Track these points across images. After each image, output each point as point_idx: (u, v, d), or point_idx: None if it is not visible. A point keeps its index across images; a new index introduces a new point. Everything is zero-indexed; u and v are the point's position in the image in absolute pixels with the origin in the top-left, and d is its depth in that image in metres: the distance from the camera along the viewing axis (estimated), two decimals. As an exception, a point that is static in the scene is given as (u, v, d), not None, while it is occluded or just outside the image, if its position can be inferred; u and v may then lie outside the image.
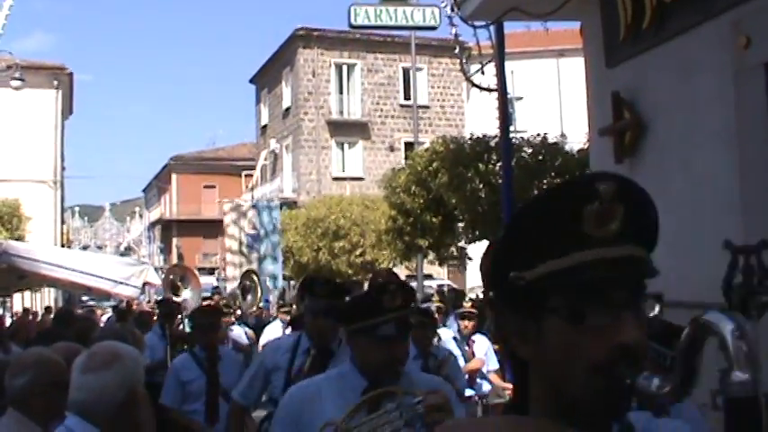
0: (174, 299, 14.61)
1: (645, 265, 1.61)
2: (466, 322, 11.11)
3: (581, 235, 1.51)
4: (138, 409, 3.39)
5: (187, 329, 12.53)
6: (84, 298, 30.94)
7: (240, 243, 30.38)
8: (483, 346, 10.90)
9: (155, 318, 15.08)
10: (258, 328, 17.56)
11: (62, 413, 3.51)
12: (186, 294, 14.88)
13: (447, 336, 10.68)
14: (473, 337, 11.00)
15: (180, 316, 13.43)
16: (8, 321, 19.95)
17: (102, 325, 15.69)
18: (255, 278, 18.84)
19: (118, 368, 3.31)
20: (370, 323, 3.65)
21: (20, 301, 25.73)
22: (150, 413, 3.57)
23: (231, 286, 27.54)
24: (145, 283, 15.96)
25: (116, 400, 3.26)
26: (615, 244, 1.53)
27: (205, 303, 14.66)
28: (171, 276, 16.03)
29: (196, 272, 17.19)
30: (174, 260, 64.97)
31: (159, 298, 13.99)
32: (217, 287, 33.06)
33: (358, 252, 33.97)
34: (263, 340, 15.31)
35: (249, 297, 18.42)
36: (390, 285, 3.88)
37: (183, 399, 7.64)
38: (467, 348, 10.76)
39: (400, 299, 3.72)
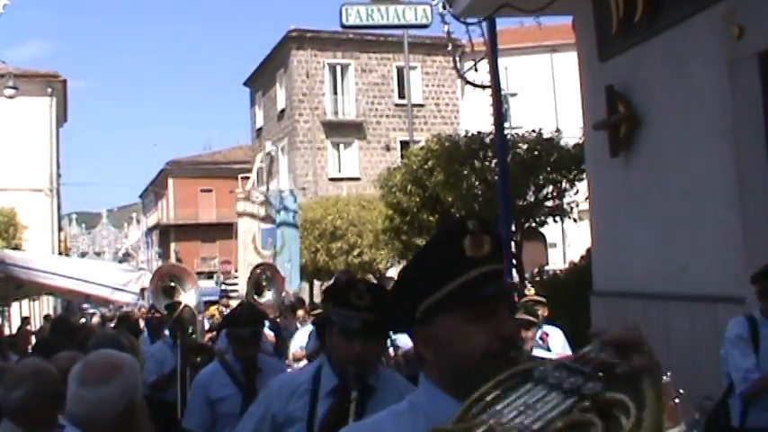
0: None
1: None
2: (541, 309, 9.24)
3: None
4: (138, 420, 3.35)
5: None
6: (85, 306, 30.84)
7: (254, 239, 27.37)
8: (559, 340, 9.10)
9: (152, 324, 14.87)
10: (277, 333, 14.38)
11: (57, 424, 3.47)
12: (188, 298, 13.05)
13: None
14: (546, 329, 9.14)
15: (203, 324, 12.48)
16: (6, 330, 19.89)
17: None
18: (270, 273, 15.43)
19: (118, 380, 3.26)
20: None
21: (18, 310, 25.67)
22: (149, 423, 3.54)
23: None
24: (143, 289, 15.93)
25: (116, 411, 3.21)
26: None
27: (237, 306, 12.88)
28: (258, 271, 14.61)
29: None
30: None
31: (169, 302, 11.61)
32: (225, 290, 32.66)
33: (356, 252, 33.87)
34: (294, 348, 13.28)
35: (270, 293, 14.85)
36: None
37: (212, 421, 6.29)
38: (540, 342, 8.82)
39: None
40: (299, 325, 15.58)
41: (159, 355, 9.50)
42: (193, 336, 10.31)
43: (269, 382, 4.71)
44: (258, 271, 14.64)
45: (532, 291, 6.34)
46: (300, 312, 16.78)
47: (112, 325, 20.25)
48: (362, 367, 3.76)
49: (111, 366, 3.32)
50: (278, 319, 15.64)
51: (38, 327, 23.36)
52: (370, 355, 3.82)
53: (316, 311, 13.96)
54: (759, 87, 7.32)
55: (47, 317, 26.04)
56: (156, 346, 9.83)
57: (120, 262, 73.14)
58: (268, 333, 12.71)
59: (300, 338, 13.25)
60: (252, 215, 28.10)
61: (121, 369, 3.32)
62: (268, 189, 38.52)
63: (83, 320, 23.90)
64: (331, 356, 3.94)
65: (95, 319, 28.91)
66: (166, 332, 10.57)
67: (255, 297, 13.79)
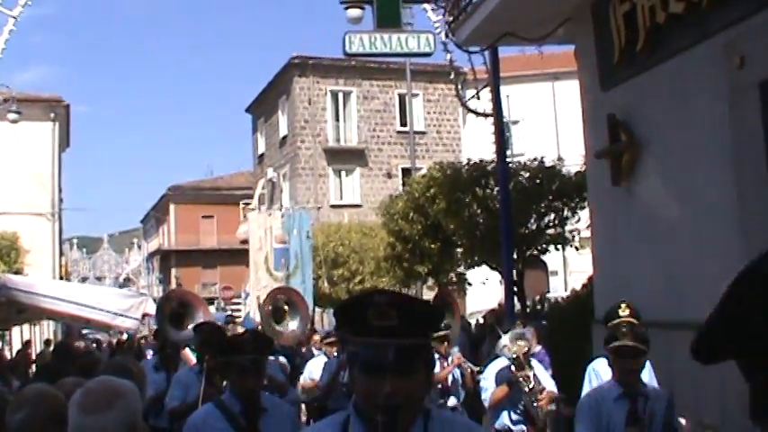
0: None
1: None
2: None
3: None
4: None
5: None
6: (85, 331, 30.71)
7: (266, 259, 25.18)
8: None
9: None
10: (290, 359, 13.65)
11: None
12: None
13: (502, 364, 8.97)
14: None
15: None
16: (7, 354, 19.86)
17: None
18: (293, 298, 13.94)
19: (119, 407, 3.25)
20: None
21: (18, 335, 25.63)
22: None
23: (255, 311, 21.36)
24: (144, 315, 15.92)
25: None
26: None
27: (239, 331, 12.49)
28: (278, 297, 13.80)
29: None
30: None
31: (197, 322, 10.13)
32: (231, 315, 31.71)
33: (357, 279, 33.82)
34: (304, 379, 13.24)
35: (294, 324, 13.25)
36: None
37: None
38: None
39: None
40: (315, 351, 14.92)
41: (185, 379, 8.46)
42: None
43: None
44: (278, 296, 14.01)
45: (627, 311, 5.90)
46: (316, 337, 15.81)
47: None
48: (394, 413, 2.64)
49: (112, 393, 3.31)
50: (303, 349, 15.24)
51: (38, 351, 23.33)
52: (402, 396, 2.65)
53: (329, 339, 13.22)
54: (760, 118, 7.35)
55: (47, 342, 26.01)
56: (183, 371, 9.00)
57: (121, 287, 73.07)
58: (281, 361, 11.93)
59: (313, 368, 13.12)
60: (264, 234, 25.91)
61: (122, 396, 3.31)
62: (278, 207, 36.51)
63: (82, 345, 23.74)
64: (356, 401, 2.84)
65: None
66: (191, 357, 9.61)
67: (275, 325, 13.03)
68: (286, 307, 13.48)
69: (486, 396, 8.77)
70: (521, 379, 8.46)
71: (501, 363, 8.73)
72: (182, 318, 11.33)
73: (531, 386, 8.50)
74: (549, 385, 8.92)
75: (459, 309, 12.75)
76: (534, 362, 9.12)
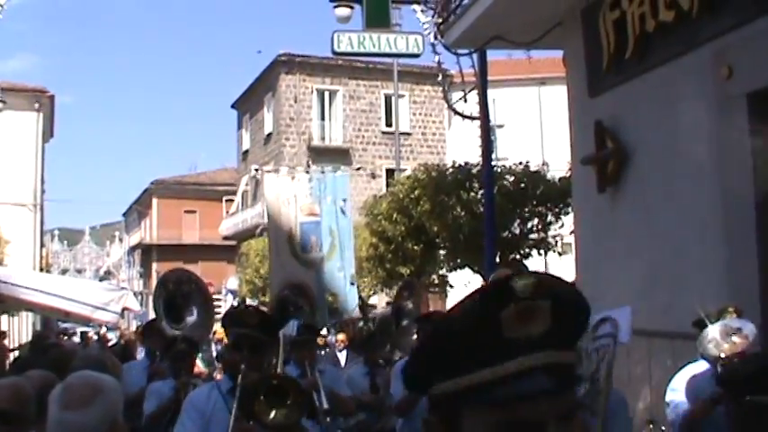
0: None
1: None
2: None
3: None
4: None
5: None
6: (67, 325, 30.44)
7: (291, 238, 17.84)
8: None
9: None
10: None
11: None
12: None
13: None
14: None
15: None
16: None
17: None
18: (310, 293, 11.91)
19: (99, 403, 3.22)
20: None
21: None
22: None
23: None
24: (124, 309, 15.84)
25: None
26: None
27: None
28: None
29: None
30: (154, 285, 64.67)
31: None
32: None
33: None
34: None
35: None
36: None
37: None
38: None
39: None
40: (337, 353, 13.42)
41: (160, 391, 7.53)
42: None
43: None
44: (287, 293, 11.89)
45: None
46: (341, 336, 14.28)
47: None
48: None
49: (93, 389, 3.28)
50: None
51: (18, 343, 23.18)
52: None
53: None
54: (747, 128, 7.36)
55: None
56: (156, 385, 7.71)
57: (101, 280, 72.91)
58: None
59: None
60: (285, 205, 18.50)
61: (103, 391, 3.28)
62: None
63: (62, 338, 23.57)
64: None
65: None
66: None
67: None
68: (292, 309, 11.20)
69: (676, 415, 6.19)
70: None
71: (695, 368, 6.30)
72: (179, 309, 9.22)
73: None
74: None
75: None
76: None
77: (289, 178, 19.47)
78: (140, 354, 16.84)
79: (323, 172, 18.72)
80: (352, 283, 18.19)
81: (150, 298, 65.24)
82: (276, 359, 6.16)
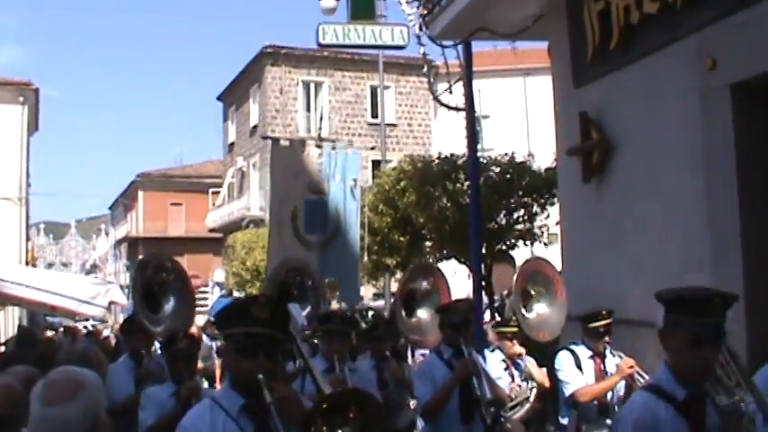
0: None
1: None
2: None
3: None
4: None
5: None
6: (56, 319, 30.18)
7: (294, 216, 15.54)
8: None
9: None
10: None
11: None
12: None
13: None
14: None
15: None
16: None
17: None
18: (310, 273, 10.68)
19: (81, 399, 3.21)
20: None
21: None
22: None
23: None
24: (110, 303, 15.81)
25: (80, 430, 3.18)
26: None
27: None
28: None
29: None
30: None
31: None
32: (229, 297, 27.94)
33: (325, 269, 33.75)
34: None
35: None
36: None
37: None
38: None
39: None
40: None
41: (159, 397, 6.73)
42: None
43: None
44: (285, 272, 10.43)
45: None
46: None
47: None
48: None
49: (75, 385, 3.27)
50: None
51: (3, 338, 23.12)
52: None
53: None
54: (731, 118, 7.38)
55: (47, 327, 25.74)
56: (153, 391, 6.87)
57: (88, 273, 72.81)
58: None
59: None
60: (293, 179, 16.01)
61: (85, 387, 3.27)
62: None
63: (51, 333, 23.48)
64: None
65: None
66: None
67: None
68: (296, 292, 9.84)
69: None
70: None
71: None
72: (156, 298, 8.32)
73: None
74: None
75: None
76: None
77: (297, 150, 17.07)
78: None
79: (334, 148, 16.32)
80: (357, 270, 16.87)
81: (137, 291, 65.89)
82: (300, 356, 5.74)
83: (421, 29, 13.31)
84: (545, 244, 21.26)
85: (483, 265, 16.93)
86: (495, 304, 14.23)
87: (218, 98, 56.12)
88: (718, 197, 7.58)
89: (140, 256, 55.66)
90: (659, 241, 8.56)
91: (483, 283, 16.75)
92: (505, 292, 14.20)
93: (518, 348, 9.08)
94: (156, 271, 8.41)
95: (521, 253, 19.66)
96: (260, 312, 3.87)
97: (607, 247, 9.58)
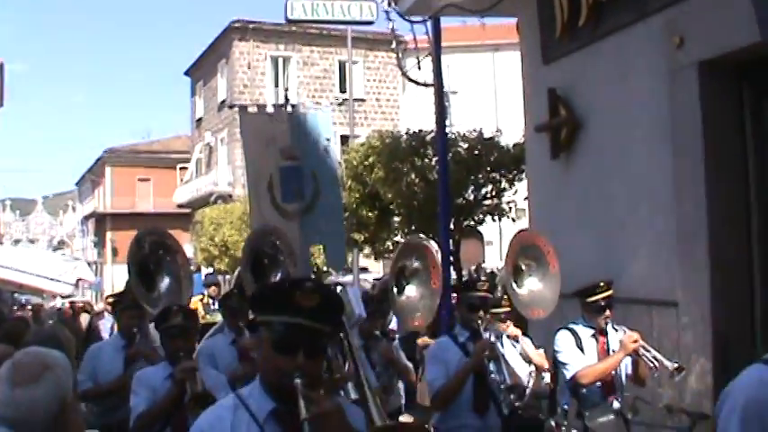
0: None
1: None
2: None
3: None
4: (71, 419, 3.30)
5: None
6: (23, 298, 29.71)
7: (270, 185, 12.68)
8: None
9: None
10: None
11: None
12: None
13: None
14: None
15: None
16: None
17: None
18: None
19: (48, 380, 3.19)
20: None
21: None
22: (82, 422, 3.49)
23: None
24: (78, 280, 15.76)
25: (49, 414, 3.16)
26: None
27: None
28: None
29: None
30: (109, 254, 64.19)
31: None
32: (213, 273, 27.70)
33: (294, 245, 33.71)
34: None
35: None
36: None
37: None
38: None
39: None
40: None
41: (152, 380, 6.00)
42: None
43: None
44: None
45: None
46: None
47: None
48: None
49: (42, 365, 3.25)
50: None
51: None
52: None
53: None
54: (698, 96, 7.43)
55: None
56: (146, 372, 6.15)
57: (55, 250, 72.25)
58: None
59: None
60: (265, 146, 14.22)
61: (52, 368, 3.26)
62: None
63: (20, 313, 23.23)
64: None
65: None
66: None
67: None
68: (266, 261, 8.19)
69: None
70: None
71: None
72: (152, 274, 7.48)
73: None
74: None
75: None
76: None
77: (266, 117, 16.18)
78: (103, 326, 16.13)
79: (303, 111, 14.98)
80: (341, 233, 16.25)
81: (104, 267, 64.33)
82: (350, 357, 5.03)
83: (389, 4, 13.28)
84: (513, 219, 21.37)
85: (451, 241, 17.01)
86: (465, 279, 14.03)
87: (186, 73, 55.74)
88: (685, 173, 7.64)
89: (136, 231, 55.38)
90: (627, 217, 8.62)
91: (451, 259, 16.83)
92: (473, 267, 14.18)
93: (514, 330, 8.54)
94: (154, 247, 7.61)
95: (489, 228, 19.75)
96: (305, 300, 3.15)
97: (575, 223, 9.63)
